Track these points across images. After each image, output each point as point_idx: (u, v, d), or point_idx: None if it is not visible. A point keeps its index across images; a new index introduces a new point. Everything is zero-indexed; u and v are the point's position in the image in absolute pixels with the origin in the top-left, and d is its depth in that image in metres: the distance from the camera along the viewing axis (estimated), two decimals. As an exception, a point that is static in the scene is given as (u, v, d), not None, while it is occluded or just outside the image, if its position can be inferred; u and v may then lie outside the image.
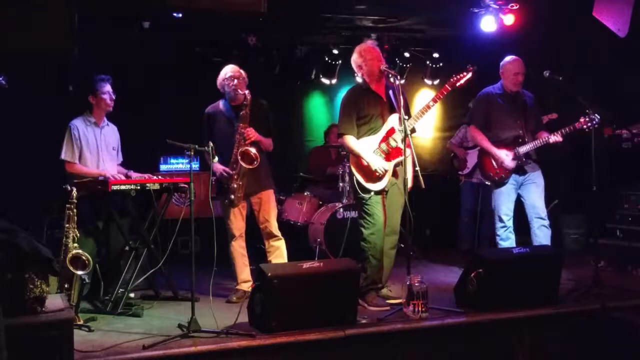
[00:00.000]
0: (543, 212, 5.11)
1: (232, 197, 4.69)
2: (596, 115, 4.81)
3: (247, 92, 4.70)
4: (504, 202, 5.14)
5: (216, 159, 4.31)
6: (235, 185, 4.68)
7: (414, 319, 4.02)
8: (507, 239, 5.14)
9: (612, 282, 4.91)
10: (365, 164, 4.50)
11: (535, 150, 5.12)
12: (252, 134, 4.69)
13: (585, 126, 4.85)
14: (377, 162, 4.47)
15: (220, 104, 4.92)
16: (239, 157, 4.62)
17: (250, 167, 4.63)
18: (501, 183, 5.14)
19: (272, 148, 4.93)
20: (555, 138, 4.97)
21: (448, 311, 4.22)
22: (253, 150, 4.65)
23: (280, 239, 4.89)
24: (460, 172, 6.98)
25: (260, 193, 4.86)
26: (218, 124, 4.86)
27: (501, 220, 5.15)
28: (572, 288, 4.78)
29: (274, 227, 4.87)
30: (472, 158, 6.86)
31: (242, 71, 4.86)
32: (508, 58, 5.18)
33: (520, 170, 5.11)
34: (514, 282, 4.23)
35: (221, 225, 4.74)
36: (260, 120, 4.80)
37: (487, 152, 5.18)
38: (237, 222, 4.82)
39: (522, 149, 5.07)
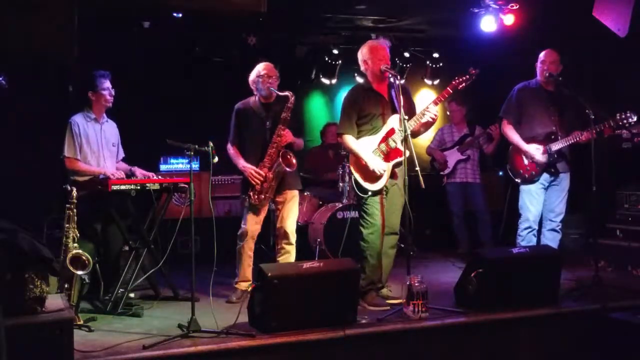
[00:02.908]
0: (558, 217, 5.12)
1: (263, 197, 4.68)
2: (632, 114, 4.77)
3: (290, 93, 4.65)
4: (532, 202, 5.09)
5: (216, 159, 4.29)
6: (266, 186, 4.67)
7: (414, 319, 4.02)
8: (529, 242, 5.09)
9: (612, 282, 4.91)
10: (364, 163, 4.50)
11: (569, 148, 5.07)
12: (289, 137, 4.70)
13: (621, 123, 4.82)
14: (375, 163, 4.47)
15: (251, 100, 4.88)
16: (280, 159, 4.61)
17: (289, 169, 4.65)
18: (531, 181, 5.09)
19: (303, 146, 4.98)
20: (588, 135, 4.89)
21: (448, 311, 4.21)
22: (291, 154, 4.68)
23: (292, 244, 4.86)
24: (442, 173, 6.98)
25: (285, 192, 4.83)
26: (248, 121, 4.82)
27: (527, 221, 5.11)
28: (572, 288, 4.77)
29: (289, 228, 4.83)
30: (451, 158, 6.88)
31: (275, 69, 4.83)
32: (543, 51, 5.16)
33: (552, 168, 5.06)
34: (514, 282, 4.23)
35: (221, 225, 4.72)
36: (293, 121, 4.80)
37: (518, 148, 5.13)
38: (254, 225, 4.78)
39: (554, 146, 5.02)
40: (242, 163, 4.75)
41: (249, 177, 4.71)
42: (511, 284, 4.22)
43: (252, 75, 4.83)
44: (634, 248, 5.57)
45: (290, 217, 4.84)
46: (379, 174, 4.48)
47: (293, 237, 4.86)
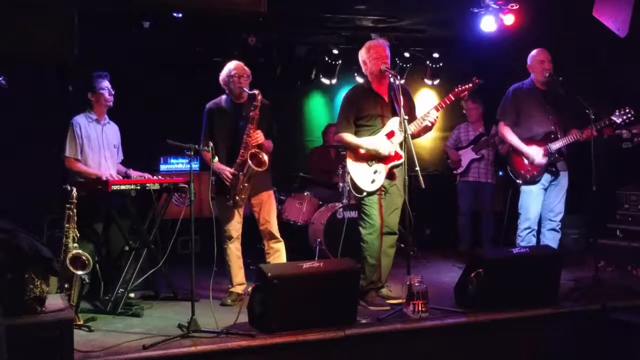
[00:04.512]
0: (558, 217, 5.10)
1: (237, 198, 4.63)
2: (631, 109, 4.79)
3: (257, 91, 4.59)
4: (532, 202, 5.06)
5: (216, 159, 4.29)
6: (240, 187, 4.63)
7: (414, 319, 4.02)
8: (528, 242, 5.06)
9: (612, 282, 4.91)
10: (363, 153, 4.50)
11: (568, 147, 5.05)
12: (260, 137, 4.63)
13: (620, 119, 4.82)
14: (384, 145, 4.45)
15: (222, 99, 4.84)
16: (248, 159, 4.56)
17: (259, 169, 4.58)
18: (532, 182, 5.06)
19: (272, 150, 4.86)
20: (589, 134, 4.88)
21: (448, 311, 4.22)
22: (262, 153, 4.60)
23: (280, 241, 4.84)
24: (455, 172, 6.98)
25: (261, 193, 4.81)
26: (219, 121, 4.77)
27: (527, 222, 5.08)
28: (572, 288, 4.78)
29: (274, 227, 4.82)
30: (466, 156, 6.87)
31: (246, 68, 4.77)
32: (533, 51, 5.15)
33: (553, 168, 5.04)
34: (514, 282, 4.23)
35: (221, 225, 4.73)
36: (263, 122, 4.72)
37: (517, 150, 5.10)
38: (236, 224, 4.75)
39: (554, 145, 5.00)
40: (217, 164, 4.63)
41: (223, 179, 4.65)
42: (511, 284, 4.22)
43: (223, 75, 4.77)
44: (634, 248, 5.57)
45: (272, 217, 4.83)
46: (386, 154, 4.46)
47: (278, 234, 4.84)
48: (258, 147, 4.64)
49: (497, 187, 6.83)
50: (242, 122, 4.67)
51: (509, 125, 5.16)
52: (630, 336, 4.13)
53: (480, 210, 6.83)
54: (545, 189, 5.09)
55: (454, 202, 7.05)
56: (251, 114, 4.59)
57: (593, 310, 4.30)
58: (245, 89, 4.66)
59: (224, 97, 4.85)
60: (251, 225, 5.01)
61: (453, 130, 7.15)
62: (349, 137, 4.58)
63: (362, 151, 4.55)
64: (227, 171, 4.64)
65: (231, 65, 4.76)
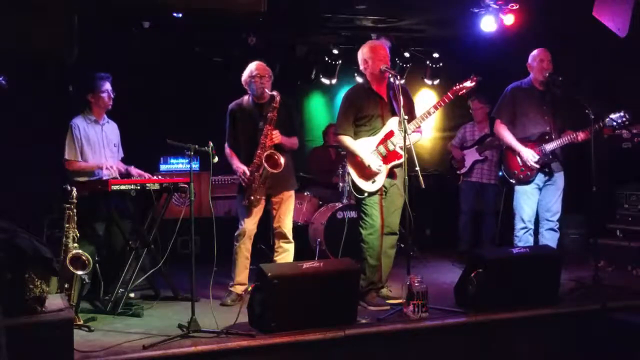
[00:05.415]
0: (555, 217, 5.09)
1: (252, 198, 4.63)
2: (626, 113, 4.80)
3: (276, 92, 4.60)
4: (526, 202, 5.06)
5: (216, 159, 4.28)
6: (256, 187, 4.62)
7: (414, 319, 4.02)
8: (526, 242, 5.06)
9: (612, 282, 4.91)
10: (360, 160, 4.49)
11: (562, 149, 5.05)
12: (276, 137, 4.63)
13: (615, 123, 4.82)
14: (373, 160, 4.46)
15: (244, 100, 4.84)
16: (264, 160, 4.56)
17: (274, 171, 4.58)
18: (526, 182, 5.06)
19: (297, 146, 4.87)
20: (584, 136, 4.90)
21: (448, 311, 4.22)
22: (278, 154, 4.60)
23: (291, 242, 4.84)
24: (458, 172, 6.97)
25: (282, 193, 4.80)
26: (242, 121, 4.77)
27: (522, 221, 5.08)
28: (572, 288, 4.78)
29: (287, 227, 4.81)
30: (469, 157, 6.86)
31: (267, 68, 4.78)
32: (534, 50, 5.14)
33: (547, 168, 5.04)
34: (514, 282, 4.23)
35: (221, 225, 4.71)
36: (284, 120, 4.71)
37: (512, 149, 5.10)
38: (251, 224, 4.74)
39: (549, 146, 5.00)
40: (235, 163, 4.70)
41: (239, 178, 4.68)
42: (511, 284, 4.22)
43: (245, 75, 4.78)
44: (634, 248, 5.58)
45: (287, 217, 4.83)
46: (376, 171, 4.47)
47: (290, 235, 4.84)
48: (276, 148, 4.64)
49: (500, 188, 6.82)
50: (261, 123, 4.67)
51: (505, 124, 5.16)
52: (630, 336, 4.13)
53: (482, 211, 6.82)
54: (540, 189, 5.10)
55: (454, 202, 7.04)
56: (269, 115, 4.60)
57: (593, 310, 4.30)
58: (266, 89, 4.66)
59: (246, 97, 4.86)
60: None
61: (459, 129, 7.12)
62: (347, 140, 4.58)
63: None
64: (241, 170, 4.64)
65: (252, 66, 4.76)
